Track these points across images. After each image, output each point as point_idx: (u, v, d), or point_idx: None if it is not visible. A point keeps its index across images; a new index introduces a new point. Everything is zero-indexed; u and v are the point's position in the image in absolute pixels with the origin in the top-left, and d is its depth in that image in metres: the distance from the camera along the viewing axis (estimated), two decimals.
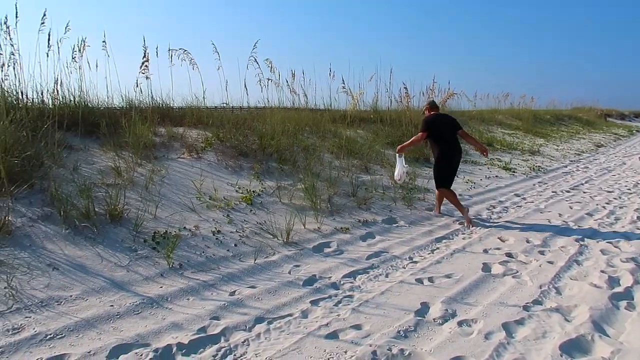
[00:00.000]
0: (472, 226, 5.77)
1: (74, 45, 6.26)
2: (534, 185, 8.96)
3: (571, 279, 4.10)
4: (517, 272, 4.25)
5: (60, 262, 3.62)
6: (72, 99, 6.27)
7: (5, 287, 3.17)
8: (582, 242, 5.15)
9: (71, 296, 3.27)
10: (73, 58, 6.23)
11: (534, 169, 10.70)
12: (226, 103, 8.56)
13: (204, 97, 8.11)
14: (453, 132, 6.12)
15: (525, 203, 7.30)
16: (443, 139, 6.08)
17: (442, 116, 6.38)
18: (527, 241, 5.20)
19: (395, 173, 6.23)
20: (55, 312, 3.07)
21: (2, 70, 5.47)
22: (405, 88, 11.40)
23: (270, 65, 8.51)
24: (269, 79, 8.69)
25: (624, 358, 2.78)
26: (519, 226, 5.88)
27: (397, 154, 6.21)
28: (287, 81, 9.36)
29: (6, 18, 5.51)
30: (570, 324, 3.21)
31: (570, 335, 3.02)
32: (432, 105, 6.49)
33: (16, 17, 5.50)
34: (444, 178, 6.06)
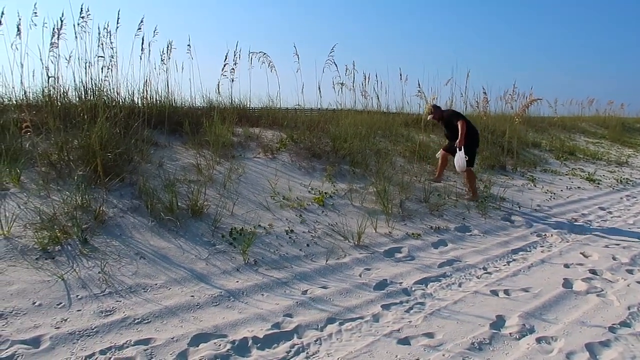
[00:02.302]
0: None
1: (162, 49, 6.66)
2: (621, 198, 8.36)
3: None
4: (602, 290, 4.00)
5: (147, 251, 3.87)
6: (159, 99, 6.67)
7: (99, 272, 3.44)
8: None
9: (156, 284, 3.48)
10: (162, 60, 6.62)
11: (621, 181, 9.98)
12: (299, 105, 8.75)
13: (279, 98, 8.34)
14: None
15: (611, 217, 6.84)
16: (472, 126, 6.83)
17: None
18: (614, 258, 4.87)
19: (459, 165, 6.59)
20: (142, 299, 3.28)
21: (102, 72, 5.92)
22: (484, 93, 11.03)
23: (347, 68, 8.59)
24: (342, 83, 8.76)
25: None
26: (604, 242, 5.51)
27: (458, 148, 6.53)
28: (360, 84, 9.39)
29: (107, 24, 5.97)
30: None
31: None
32: (436, 106, 7.14)
33: (117, 22, 5.95)
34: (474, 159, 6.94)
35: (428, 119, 7.23)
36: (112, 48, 5.99)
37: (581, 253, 5.04)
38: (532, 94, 10.96)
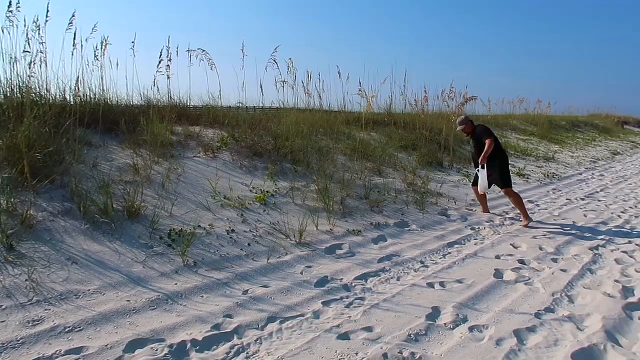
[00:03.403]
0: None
1: (97, 45, 6.39)
2: (547, 192, 8.91)
3: (584, 287, 4.08)
4: (530, 279, 4.25)
5: (79, 256, 3.71)
6: (92, 96, 6.39)
7: (26, 280, 3.26)
8: (596, 251, 5.13)
9: (89, 290, 3.35)
10: (95, 56, 6.34)
11: (548, 175, 10.62)
12: (241, 103, 8.66)
13: (220, 96, 8.22)
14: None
15: (539, 210, 7.27)
16: (499, 144, 6.58)
17: None
18: (540, 248, 5.19)
19: (483, 186, 6.37)
20: (73, 306, 3.15)
21: (30, 68, 5.59)
22: (425, 92, 11.41)
23: (289, 67, 8.59)
24: (284, 81, 8.76)
25: None
26: (532, 233, 5.86)
27: (480, 166, 6.33)
28: (302, 82, 9.43)
29: (37, 17, 5.64)
30: (582, 333, 3.21)
31: (582, 344, 3.02)
32: (468, 118, 6.74)
33: (47, 16, 5.63)
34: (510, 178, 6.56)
35: (457, 130, 6.86)
36: (41, 43, 5.67)
37: (511, 244, 5.33)
38: (468, 93, 11.42)
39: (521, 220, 6.29)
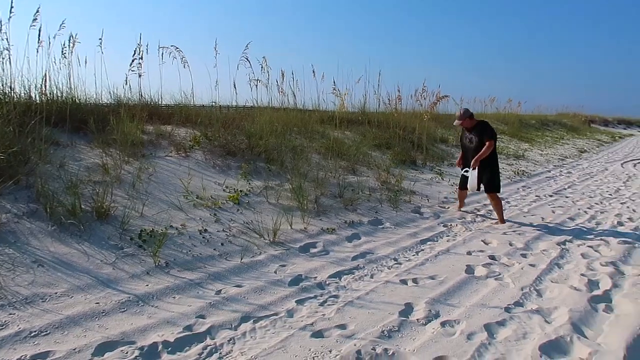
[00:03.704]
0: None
1: (64, 42, 6.23)
2: (518, 189, 9.10)
3: (552, 281, 4.18)
4: (500, 274, 4.33)
5: (46, 259, 3.61)
6: (60, 95, 6.23)
7: None
8: (563, 246, 5.26)
9: (56, 293, 3.27)
10: (63, 54, 6.18)
11: (518, 173, 10.86)
12: (214, 102, 8.58)
13: (192, 95, 8.12)
14: None
15: (509, 207, 7.42)
16: (495, 146, 6.31)
17: None
18: (510, 244, 5.29)
19: (472, 186, 6.20)
20: (40, 309, 3.06)
21: None
22: (398, 91, 11.50)
23: (263, 65, 8.54)
24: (258, 80, 8.70)
25: (601, 359, 2.86)
26: (503, 229, 5.97)
27: (472, 168, 6.13)
28: (276, 81, 9.38)
29: None
30: (550, 326, 3.29)
31: (549, 337, 3.09)
32: (468, 112, 6.35)
33: (10, 12, 5.45)
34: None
35: (455, 124, 6.44)
36: (4, 40, 5.48)
37: (482, 241, 5.43)
38: (440, 92, 11.57)
39: (495, 219, 6.38)
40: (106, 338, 2.83)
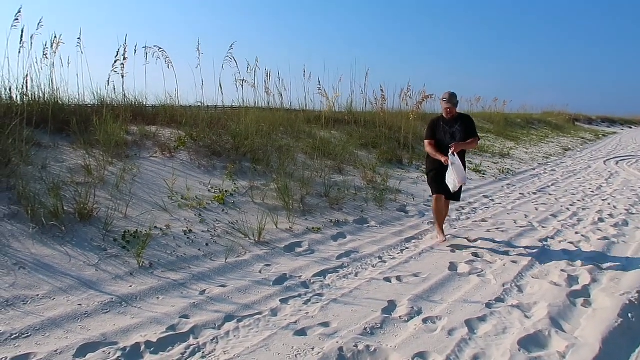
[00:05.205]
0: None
1: (46, 42, 6.17)
2: (502, 187, 9.20)
3: (533, 277, 4.25)
4: (482, 271, 4.39)
5: (27, 261, 3.58)
6: (42, 95, 6.17)
7: None
8: (545, 242, 5.34)
9: (38, 295, 3.25)
10: (44, 54, 6.13)
11: (503, 171, 10.98)
12: (200, 102, 8.55)
13: (177, 95, 8.09)
14: None
15: (494, 204, 7.50)
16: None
17: None
18: (494, 241, 5.36)
19: (463, 175, 4.96)
20: (21, 312, 3.04)
21: None
22: (382, 91, 11.52)
23: (249, 65, 8.54)
24: (244, 80, 8.69)
25: (578, 352, 2.92)
26: (487, 226, 6.04)
27: (452, 154, 4.86)
28: (264, 81, 9.39)
29: None
30: (529, 320, 3.34)
31: (528, 331, 3.14)
32: (454, 96, 5.22)
33: None
34: None
35: (442, 104, 5.17)
36: None
37: (466, 238, 5.49)
38: (426, 92, 11.64)
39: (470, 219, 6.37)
40: (88, 339, 2.82)
